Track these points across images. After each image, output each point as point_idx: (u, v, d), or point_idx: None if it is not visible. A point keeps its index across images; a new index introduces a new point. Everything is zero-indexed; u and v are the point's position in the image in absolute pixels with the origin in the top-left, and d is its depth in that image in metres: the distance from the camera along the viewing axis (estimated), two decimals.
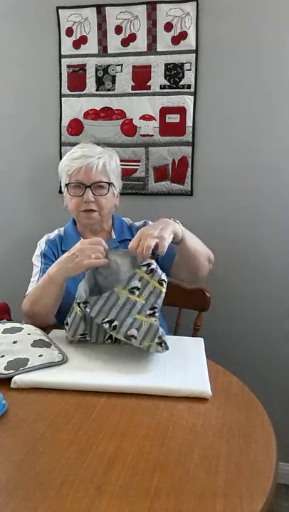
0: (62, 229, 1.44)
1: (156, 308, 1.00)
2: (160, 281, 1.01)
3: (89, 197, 1.29)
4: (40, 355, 0.97)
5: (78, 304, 1.02)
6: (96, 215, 1.32)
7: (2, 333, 1.05)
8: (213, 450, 0.71)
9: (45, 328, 1.16)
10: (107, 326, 0.98)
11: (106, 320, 0.98)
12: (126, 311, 0.99)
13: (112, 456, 0.69)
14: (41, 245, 1.39)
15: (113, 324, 0.98)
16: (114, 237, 1.38)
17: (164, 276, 1.03)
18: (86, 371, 0.95)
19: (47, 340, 1.06)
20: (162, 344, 0.95)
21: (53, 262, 1.34)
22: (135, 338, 0.96)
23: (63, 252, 1.36)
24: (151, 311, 0.99)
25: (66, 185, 1.34)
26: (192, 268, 1.26)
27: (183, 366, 0.97)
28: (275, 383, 1.70)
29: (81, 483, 0.63)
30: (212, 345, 1.15)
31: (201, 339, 1.14)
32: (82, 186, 1.30)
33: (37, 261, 1.35)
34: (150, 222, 1.40)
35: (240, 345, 1.71)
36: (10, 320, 1.23)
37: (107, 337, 1.06)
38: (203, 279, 1.32)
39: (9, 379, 0.90)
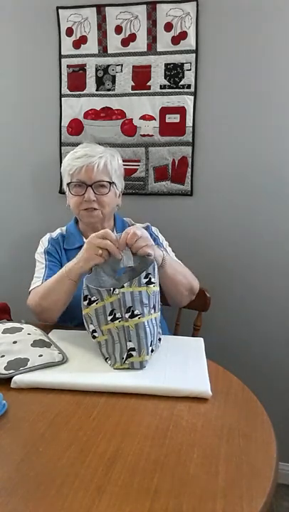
0: (64, 228, 1.44)
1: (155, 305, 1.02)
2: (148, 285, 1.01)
3: (90, 196, 1.29)
4: (40, 355, 0.97)
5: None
6: (98, 213, 1.32)
7: (2, 333, 1.05)
8: (213, 450, 0.71)
9: (45, 328, 1.17)
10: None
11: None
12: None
13: (112, 456, 0.69)
14: (44, 243, 1.40)
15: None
16: None
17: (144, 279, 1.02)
18: (86, 371, 0.95)
19: (47, 340, 1.06)
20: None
21: (57, 259, 1.35)
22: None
23: (65, 250, 1.37)
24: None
25: (68, 184, 1.34)
26: (170, 294, 1.26)
27: (183, 366, 0.97)
28: (275, 383, 1.70)
29: (81, 483, 0.63)
30: (212, 345, 1.15)
31: (201, 339, 1.14)
32: (84, 185, 1.30)
33: (41, 258, 1.36)
34: (153, 228, 1.41)
35: (240, 345, 1.71)
36: (10, 320, 1.23)
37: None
38: (181, 306, 1.40)
39: (9, 379, 0.90)
